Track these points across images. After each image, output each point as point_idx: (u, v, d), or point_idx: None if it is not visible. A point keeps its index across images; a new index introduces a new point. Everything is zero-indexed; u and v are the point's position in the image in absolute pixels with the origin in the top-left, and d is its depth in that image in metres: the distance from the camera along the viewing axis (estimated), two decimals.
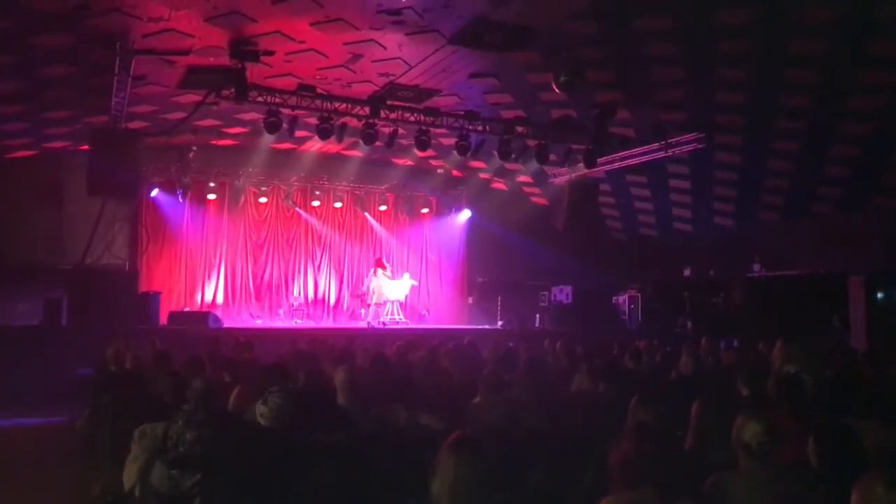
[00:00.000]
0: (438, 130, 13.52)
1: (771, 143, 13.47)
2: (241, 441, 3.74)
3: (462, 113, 13.01)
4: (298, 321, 17.11)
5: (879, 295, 15.38)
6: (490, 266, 18.76)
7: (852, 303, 15.25)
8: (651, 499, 2.33)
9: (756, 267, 16.81)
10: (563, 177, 17.07)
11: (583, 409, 5.48)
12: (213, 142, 15.99)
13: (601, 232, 19.37)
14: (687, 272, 18.29)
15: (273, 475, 3.28)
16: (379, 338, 11.74)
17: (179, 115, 13.59)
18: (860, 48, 9.97)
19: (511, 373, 5.52)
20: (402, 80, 12.17)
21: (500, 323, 17.84)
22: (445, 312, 19.35)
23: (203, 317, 13.95)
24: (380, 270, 17.70)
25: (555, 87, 10.05)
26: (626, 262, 19.22)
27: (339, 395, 4.40)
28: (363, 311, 18.19)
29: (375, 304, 17.41)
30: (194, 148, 15.65)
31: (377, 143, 13.03)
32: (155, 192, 16.27)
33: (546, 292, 18.53)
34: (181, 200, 16.49)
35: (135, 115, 13.31)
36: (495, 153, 13.86)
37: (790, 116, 12.31)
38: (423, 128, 12.58)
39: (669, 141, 13.86)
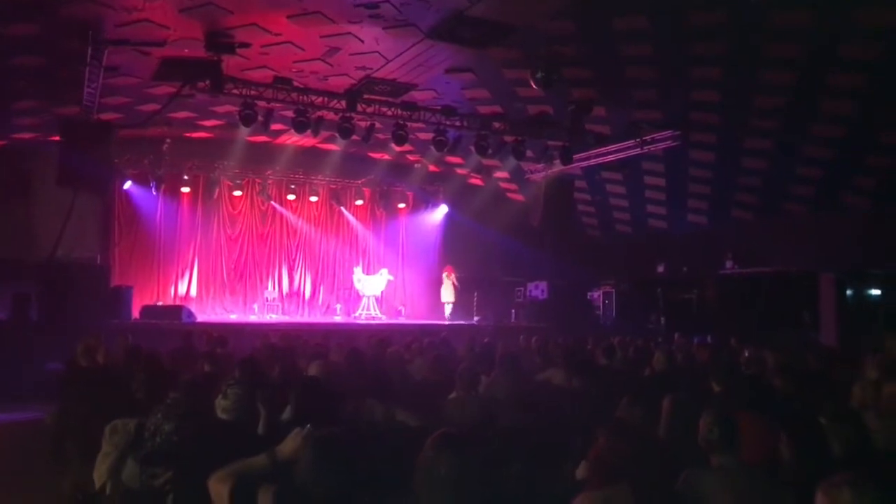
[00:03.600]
0: (416, 125, 13.49)
1: (745, 142, 13.61)
2: (219, 435, 3.69)
3: (439, 108, 12.97)
4: (273, 316, 17.00)
5: (849, 292, 15.63)
6: (466, 262, 18.76)
7: (823, 300, 15.47)
8: (626, 496, 2.34)
9: (728, 264, 16.97)
10: (539, 173, 17.12)
11: (557, 404, 5.49)
12: (188, 134, 15.81)
13: (577, 228, 19.46)
14: (661, 269, 18.43)
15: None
16: (354, 333, 11.69)
17: (153, 106, 13.44)
18: (834, 51, 10.11)
19: (487, 369, 5.52)
20: (379, 74, 12.12)
21: (476, 318, 17.87)
22: (422, 308, 19.32)
23: (176, 311, 13.79)
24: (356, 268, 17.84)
25: (532, 83, 10.07)
26: (601, 259, 19.33)
27: None
28: (339, 305, 18.14)
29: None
30: (168, 140, 15.44)
31: (354, 138, 12.96)
32: (128, 185, 16.06)
33: (522, 288, 18.60)
34: (154, 193, 16.28)
35: (107, 106, 13.11)
36: (472, 149, 13.89)
37: (764, 116, 12.44)
38: (401, 122, 12.53)
39: (645, 138, 13.96)
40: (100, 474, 4.75)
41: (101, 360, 8.12)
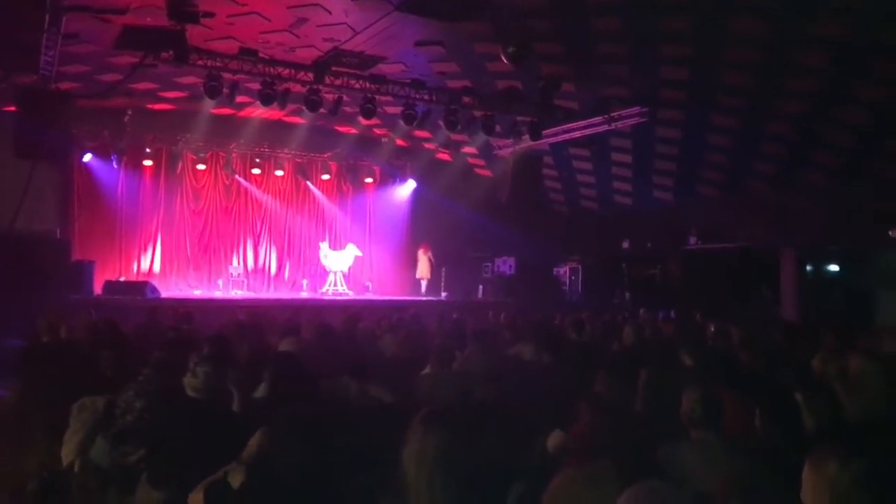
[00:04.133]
0: (384, 99, 13.34)
1: (711, 119, 13.73)
2: (192, 413, 3.63)
3: (408, 81, 12.84)
4: (238, 292, 16.81)
5: (809, 268, 15.96)
6: (434, 238, 18.69)
7: (783, 275, 15.76)
8: (608, 471, 2.35)
9: (692, 240, 17.20)
10: (507, 149, 17.10)
11: (529, 378, 5.52)
12: (150, 106, 15.43)
13: (544, 204, 19.52)
14: (626, 245, 18.62)
15: (222, 450, 3.19)
16: (323, 309, 11.61)
17: (114, 76, 13.11)
18: (802, 28, 10.21)
19: (460, 345, 5.52)
20: (347, 47, 11.93)
21: (443, 294, 17.88)
22: (389, 284, 19.26)
23: (140, 287, 13.54)
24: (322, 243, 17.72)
25: (503, 57, 10.00)
26: (567, 235, 19.46)
27: None
28: (305, 281, 18.02)
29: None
30: (129, 112, 15.04)
31: (321, 111, 12.78)
32: (87, 157, 15.65)
33: (489, 264, 18.65)
34: (115, 166, 15.92)
35: (66, 75, 12.72)
36: (441, 123, 13.78)
37: (731, 93, 12.55)
38: (369, 95, 12.38)
39: (613, 115, 14.00)
40: (68, 452, 4.67)
41: (63, 335, 7.97)
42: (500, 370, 5.14)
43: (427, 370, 5.28)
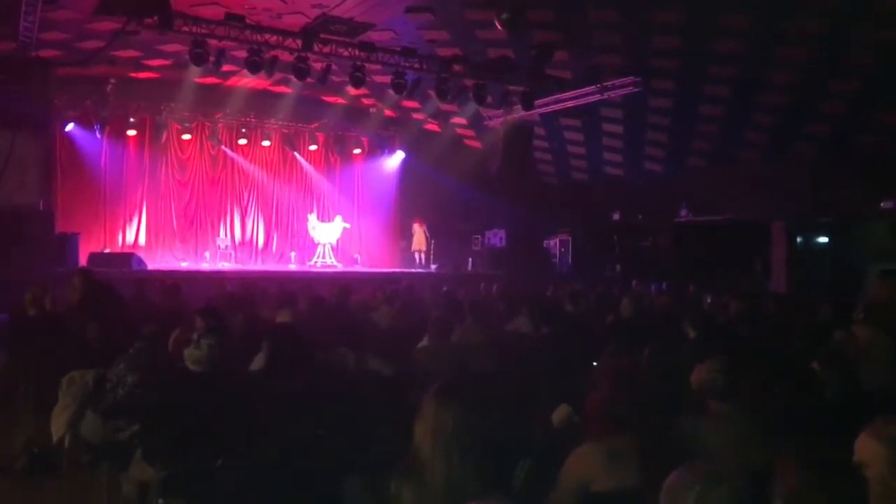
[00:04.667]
0: (373, 68, 13.09)
1: (703, 89, 13.60)
2: (188, 387, 3.51)
3: (398, 49, 12.59)
4: (226, 264, 16.61)
5: (799, 239, 15.95)
6: (423, 209, 18.52)
7: (774, 247, 15.75)
8: (629, 444, 2.26)
9: (683, 212, 17.13)
10: (498, 119, 16.91)
11: (527, 352, 5.44)
12: (133, 74, 15.07)
13: (533, 176, 19.36)
14: (616, 216, 18.53)
15: (223, 424, 3.08)
16: (313, 281, 11.47)
17: (96, 43, 12.76)
18: None
19: (457, 317, 5.42)
20: (336, 13, 11.65)
21: (433, 267, 17.77)
22: (378, 256, 19.11)
23: (126, 259, 13.33)
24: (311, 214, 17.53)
25: (497, 24, 9.79)
26: (557, 206, 19.30)
27: None
28: (293, 253, 17.85)
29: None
30: (112, 80, 14.71)
31: (309, 80, 12.53)
32: (70, 127, 15.29)
33: (479, 236, 18.52)
34: (98, 136, 15.58)
35: (46, 42, 12.38)
36: (431, 93, 13.57)
37: (723, 62, 12.41)
38: (358, 63, 12.13)
39: (605, 84, 13.83)
40: (57, 427, 4.56)
41: (48, 307, 7.80)
42: (498, 342, 5.04)
43: (424, 342, 5.18)
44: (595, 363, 5.57)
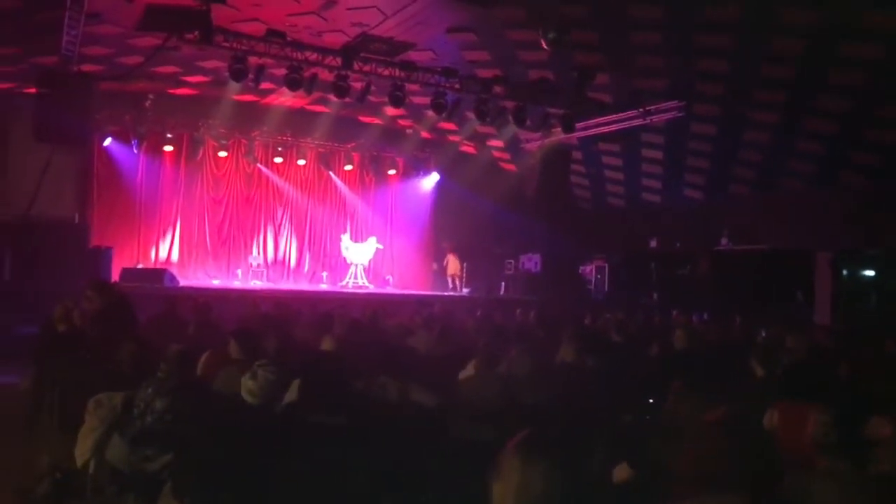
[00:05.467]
0: (410, 88, 12.93)
1: (749, 115, 13.25)
2: (225, 417, 3.26)
3: (439, 69, 12.42)
4: (257, 283, 16.49)
5: (844, 272, 15.44)
6: (456, 232, 18.32)
7: (818, 279, 15.26)
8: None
9: (724, 241, 16.69)
10: (535, 142, 16.66)
11: (576, 384, 5.12)
12: (172, 90, 15.14)
13: (570, 200, 19.04)
14: (653, 243, 18.13)
15: (264, 459, 2.82)
16: (346, 302, 11.25)
17: (136, 59, 12.77)
18: (850, 18, 9.73)
19: (501, 345, 5.12)
20: (376, 32, 11.54)
21: (465, 290, 17.49)
22: (409, 278, 18.89)
23: (158, 274, 13.25)
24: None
25: (543, 43, 9.57)
26: (592, 232, 18.97)
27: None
28: (325, 273, 17.69)
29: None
30: (151, 96, 14.77)
31: (347, 99, 12.40)
32: (108, 142, 15.39)
33: (512, 260, 18.22)
34: (136, 151, 15.66)
35: (88, 57, 12.45)
36: (469, 114, 13.37)
37: (771, 87, 12.06)
38: (398, 83, 11.96)
39: (648, 108, 13.52)
40: (83, 451, 4.32)
41: (77, 322, 7.65)
42: (547, 374, 4.73)
43: (470, 371, 4.89)
44: (651, 400, 5.27)
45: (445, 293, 16.92)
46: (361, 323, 6.04)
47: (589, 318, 11.11)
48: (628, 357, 6.15)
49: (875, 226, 13.95)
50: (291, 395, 3.27)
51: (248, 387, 3.36)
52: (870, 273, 15.81)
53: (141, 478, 3.54)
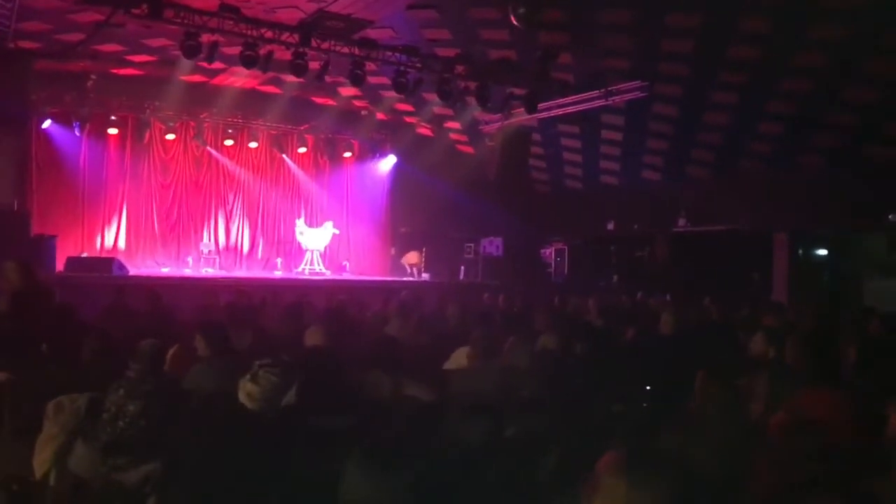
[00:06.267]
0: (368, 67, 12.51)
1: (711, 95, 13.21)
2: (215, 421, 2.91)
3: (400, 48, 12.03)
4: (209, 270, 15.88)
5: (800, 252, 15.67)
6: (414, 216, 17.97)
7: (776, 259, 15.44)
8: None
9: (682, 222, 16.76)
10: (494, 125, 16.41)
11: (570, 375, 4.89)
12: (115, 70, 14.37)
13: (528, 183, 18.87)
14: (610, 226, 18.11)
15: (264, 469, 2.50)
16: (307, 290, 10.83)
17: (77, 36, 12.05)
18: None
19: (494, 333, 4.86)
20: (333, 8, 11.09)
21: (425, 275, 17.19)
22: (367, 264, 18.49)
23: (106, 263, 12.57)
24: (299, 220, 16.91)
25: (512, 19, 9.27)
26: (549, 215, 18.83)
27: None
28: (280, 260, 17.17)
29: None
30: (93, 76, 14.02)
31: (302, 80, 11.94)
32: (47, 124, 14.54)
33: (471, 244, 17.98)
34: (78, 134, 14.85)
35: (24, 32, 11.70)
36: (426, 96, 13.04)
37: (735, 68, 12.02)
38: (359, 61, 11.54)
39: (610, 89, 13.39)
40: (42, 461, 3.90)
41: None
42: (543, 364, 4.49)
43: (460, 361, 4.62)
44: (648, 387, 5.07)
45: (407, 279, 16.59)
46: (341, 313, 5.70)
47: (557, 301, 10.96)
48: (615, 343, 5.96)
49: (832, 206, 14.12)
50: (290, 397, 2.94)
51: (247, 390, 3.01)
52: (822, 252, 16.10)
53: (117, 490, 3.18)
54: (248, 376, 3.02)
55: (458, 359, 4.84)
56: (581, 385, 4.77)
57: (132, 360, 3.67)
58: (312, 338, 3.77)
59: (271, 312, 6.92)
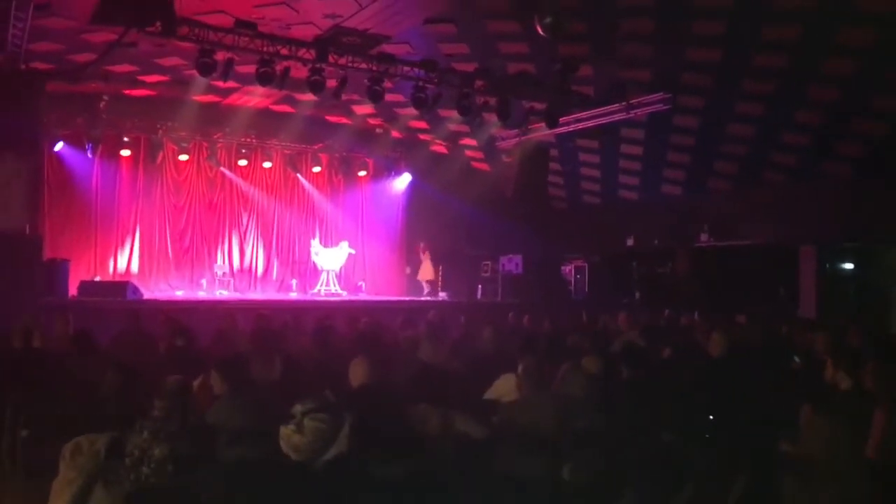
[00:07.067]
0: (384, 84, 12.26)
1: (735, 106, 12.90)
2: (254, 472, 2.57)
3: (419, 62, 11.77)
4: (224, 292, 15.60)
5: (827, 266, 15.28)
6: (431, 234, 17.64)
7: (802, 273, 15.05)
8: None
9: (704, 237, 16.38)
10: (511, 140, 16.13)
11: (624, 401, 4.54)
12: (128, 91, 14.19)
13: (545, 199, 18.54)
14: (630, 242, 17.75)
15: None
16: (329, 312, 10.49)
17: (90, 56, 11.86)
18: (846, 4, 9.41)
19: (541, 360, 4.50)
20: (349, 24, 10.87)
21: (442, 294, 16.85)
22: (383, 283, 18.15)
23: (120, 287, 12.29)
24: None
25: (539, 29, 8.98)
26: (567, 231, 18.48)
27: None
28: (294, 281, 16.87)
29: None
30: (105, 97, 13.81)
31: (316, 98, 11.70)
32: (59, 146, 14.34)
33: (488, 262, 17.64)
34: (90, 156, 14.63)
35: (36, 53, 11.51)
36: (441, 113, 12.76)
37: (761, 77, 11.71)
38: (377, 76, 11.28)
39: (631, 101, 13.09)
40: None
41: (37, 343, 6.84)
42: (599, 393, 4.14)
43: (507, 389, 4.28)
44: (711, 416, 4.70)
45: (426, 298, 16.24)
46: (375, 338, 5.35)
47: (586, 320, 10.61)
48: (660, 366, 5.60)
49: (860, 218, 13.74)
50: (340, 443, 2.58)
51: (292, 442, 2.63)
52: (848, 266, 15.70)
53: None
54: (291, 426, 2.65)
55: (504, 388, 4.49)
56: (635, 414, 4.43)
57: (157, 397, 3.35)
58: (357, 371, 3.42)
59: (294, 338, 6.59)
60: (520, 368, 4.72)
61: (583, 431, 3.90)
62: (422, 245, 17.35)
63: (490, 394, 4.67)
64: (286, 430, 2.65)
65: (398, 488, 2.36)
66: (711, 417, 4.34)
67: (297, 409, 2.63)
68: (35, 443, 4.26)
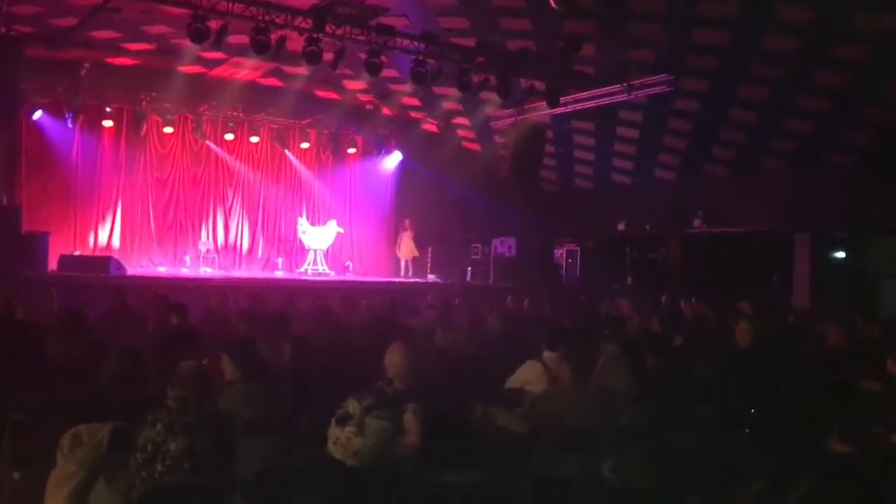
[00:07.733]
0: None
1: (739, 91, 12.65)
2: (300, 473, 2.25)
3: (417, 35, 11.38)
4: (208, 270, 15.17)
5: (822, 254, 15.20)
6: (420, 215, 17.27)
7: (797, 261, 14.95)
8: None
9: (697, 223, 16.20)
10: (506, 121, 15.78)
11: (668, 397, 4.28)
12: (111, 60, 13.63)
13: (538, 182, 18.24)
14: (621, 226, 17.53)
15: None
16: (322, 292, 10.15)
17: (71, 20, 11.33)
18: None
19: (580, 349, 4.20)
20: None
21: (430, 276, 16.55)
22: (371, 263, 17.79)
23: (103, 262, 11.83)
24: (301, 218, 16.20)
25: (552, 3, 8.64)
26: (559, 215, 18.22)
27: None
28: (280, 259, 16.47)
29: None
30: (87, 65, 13.26)
31: (300, 71, 11.31)
32: (38, 115, 13.77)
33: (479, 244, 17.35)
34: (71, 126, 14.05)
35: (15, 16, 10.94)
36: (436, 89, 12.38)
37: (771, 61, 11.45)
38: (376, 49, 10.88)
39: (633, 83, 12.79)
40: (56, 501, 3.24)
41: (20, 317, 6.48)
42: (645, 385, 3.86)
43: (535, 377, 3.99)
44: (752, 410, 4.45)
45: (414, 280, 15.94)
46: (394, 323, 5.02)
47: (586, 304, 10.37)
48: (688, 357, 5.34)
49: (861, 206, 13.61)
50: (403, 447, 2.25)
51: (352, 446, 2.28)
52: (840, 254, 15.65)
53: None
54: (350, 427, 2.27)
55: (528, 375, 4.20)
56: (674, 407, 4.16)
57: (170, 386, 3.01)
58: (394, 359, 3.09)
59: (295, 319, 6.25)
60: (546, 356, 4.44)
61: (625, 428, 3.62)
62: (406, 222, 16.93)
63: (513, 382, 4.37)
64: (344, 433, 2.29)
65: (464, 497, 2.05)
66: (753, 412, 4.08)
67: (354, 405, 2.28)
68: (26, 428, 3.90)
